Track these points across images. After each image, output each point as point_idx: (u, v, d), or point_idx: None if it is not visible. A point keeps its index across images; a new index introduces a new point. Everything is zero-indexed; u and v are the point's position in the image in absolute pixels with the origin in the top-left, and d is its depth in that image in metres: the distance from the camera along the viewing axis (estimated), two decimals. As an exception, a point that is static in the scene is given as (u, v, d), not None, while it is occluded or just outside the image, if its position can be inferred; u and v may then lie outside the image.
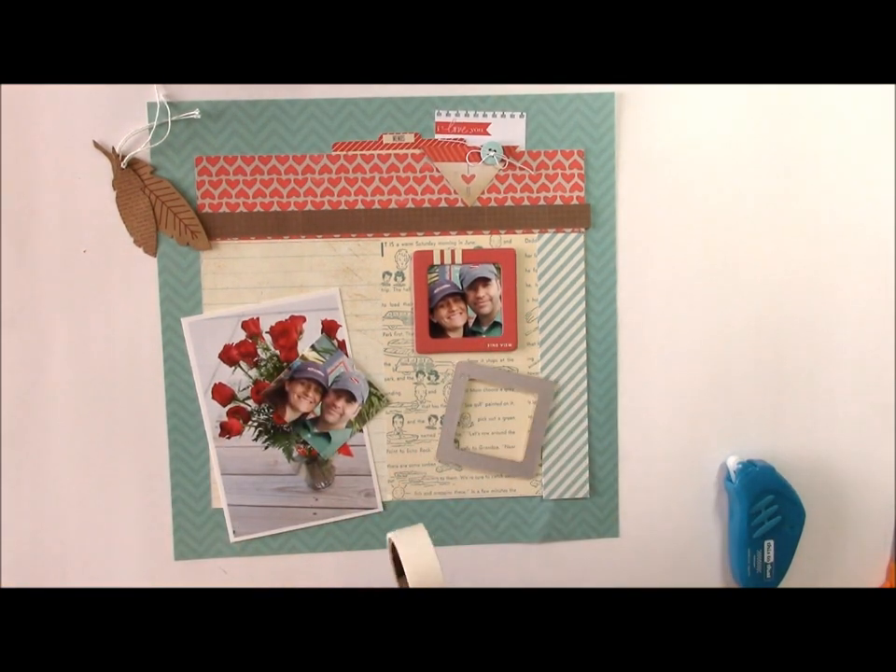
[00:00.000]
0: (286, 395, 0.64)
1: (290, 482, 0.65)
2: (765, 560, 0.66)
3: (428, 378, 0.65)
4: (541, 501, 0.66)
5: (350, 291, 0.65)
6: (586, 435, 0.66)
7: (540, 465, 0.66)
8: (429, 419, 0.66)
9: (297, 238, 0.64)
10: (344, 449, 0.65)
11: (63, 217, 0.63)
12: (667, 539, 0.67)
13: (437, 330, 0.65)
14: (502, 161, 0.64)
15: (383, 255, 0.64)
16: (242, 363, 0.64)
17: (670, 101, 0.65)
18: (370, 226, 0.64)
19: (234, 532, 0.65)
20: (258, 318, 0.64)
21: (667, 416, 0.67)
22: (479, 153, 0.64)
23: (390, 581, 0.66)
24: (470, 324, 0.65)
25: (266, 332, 0.64)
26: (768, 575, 0.66)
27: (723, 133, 0.65)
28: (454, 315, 0.65)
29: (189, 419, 0.64)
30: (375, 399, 0.65)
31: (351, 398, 0.65)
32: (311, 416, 0.65)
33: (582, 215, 0.65)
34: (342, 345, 0.65)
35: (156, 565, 0.65)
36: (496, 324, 0.65)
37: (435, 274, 0.65)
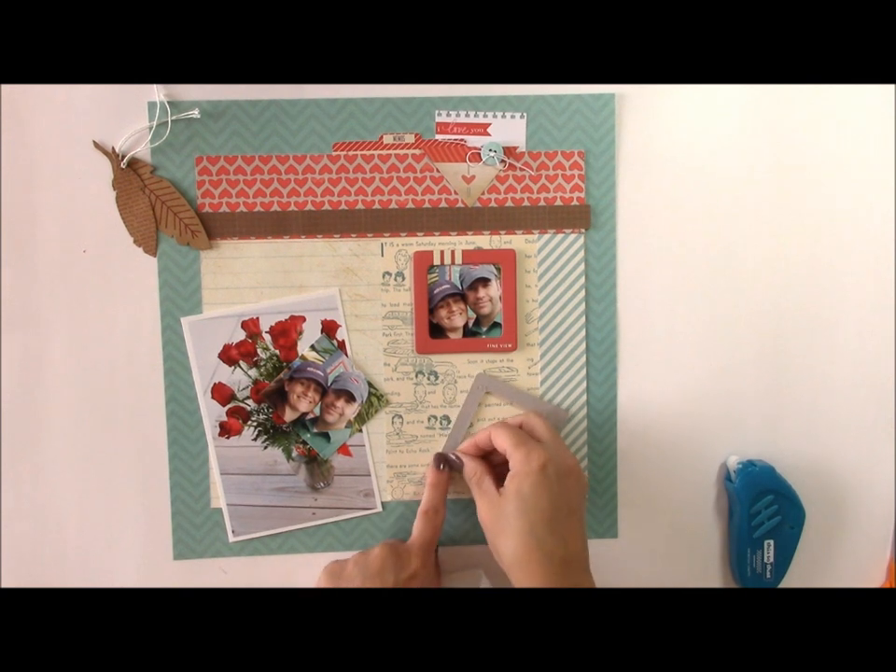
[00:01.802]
0: (285, 395, 0.64)
1: (289, 482, 0.65)
2: (765, 560, 0.66)
3: (428, 378, 0.65)
4: (541, 502, 0.66)
5: (350, 291, 0.65)
6: (585, 435, 0.66)
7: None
8: (429, 420, 0.66)
9: (297, 238, 0.64)
10: (344, 449, 0.65)
11: (63, 217, 0.63)
12: (667, 539, 0.67)
13: (437, 331, 0.65)
14: (502, 161, 0.64)
15: (383, 255, 0.65)
16: (241, 363, 0.64)
17: (670, 101, 0.65)
18: (370, 226, 0.64)
19: (233, 532, 0.65)
20: (257, 318, 0.64)
21: (667, 416, 0.67)
22: (479, 154, 0.64)
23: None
24: (470, 324, 0.65)
25: (266, 332, 0.64)
26: (768, 575, 0.66)
27: (724, 133, 0.65)
28: (453, 316, 0.65)
29: (189, 419, 0.64)
30: (375, 400, 0.65)
31: (350, 398, 0.65)
32: (310, 416, 0.65)
33: (582, 215, 0.65)
34: (341, 345, 0.65)
35: (155, 564, 0.65)
36: (495, 324, 0.65)
37: (435, 275, 0.65)
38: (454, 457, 0.63)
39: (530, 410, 0.65)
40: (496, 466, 0.62)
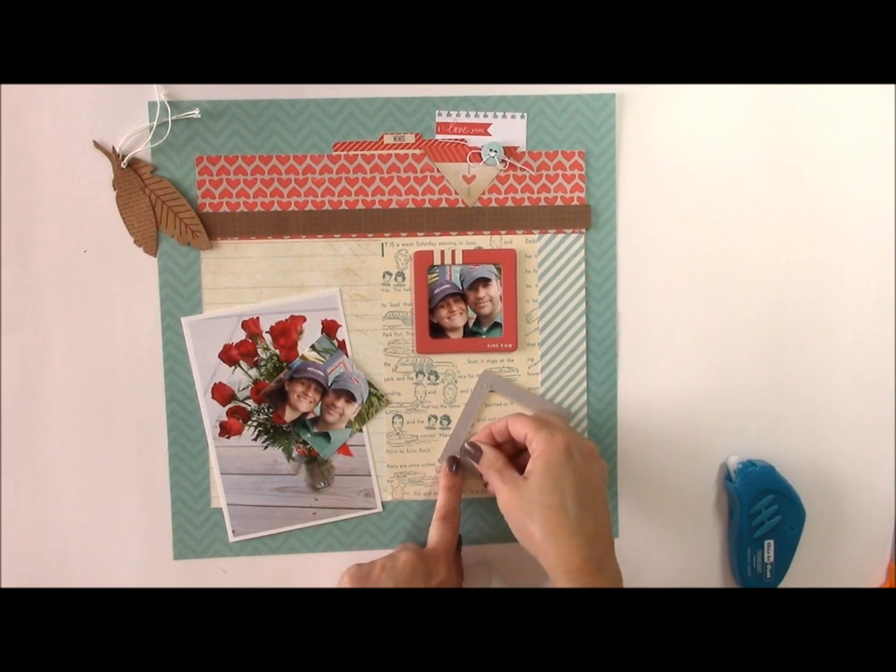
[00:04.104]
0: (285, 395, 0.64)
1: (290, 481, 0.65)
2: (765, 560, 0.66)
3: (428, 378, 0.65)
4: (541, 502, 0.66)
5: (350, 291, 0.65)
6: (585, 435, 0.66)
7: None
8: (429, 419, 0.66)
9: (297, 238, 0.64)
10: (344, 449, 0.65)
11: (63, 217, 0.63)
12: (667, 539, 0.67)
13: (437, 331, 0.65)
14: (503, 161, 0.64)
15: (383, 255, 0.65)
16: (242, 363, 0.64)
17: (670, 101, 0.65)
18: (370, 226, 0.64)
19: (234, 532, 0.65)
20: (258, 318, 0.64)
21: (667, 416, 0.67)
22: (480, 153, 0.64)
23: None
24: (471, 324, 0.65)
25: (266, 332, 0.64)
26: (768, 575, 0.66)
27: (724, 133, 0.65)
28: (454, 316, 0.65)
29: (189, 419, 0.64)
30: (375, 399, 0.65)
31: (351, 398, 0.65)
32: (311, 416, 0.65)
33: (583, 215, 0.65)
34: (342, 345, 0.65)
35: (155, 564, 0.65)
36: (496, 324, 0.65)
37: (435, 275, 0.65)
38: (469, 448, 0.62)
39: (534, 409, 0.65)
40: (511, 457, 0.62)
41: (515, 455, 0.63)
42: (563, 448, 0.57)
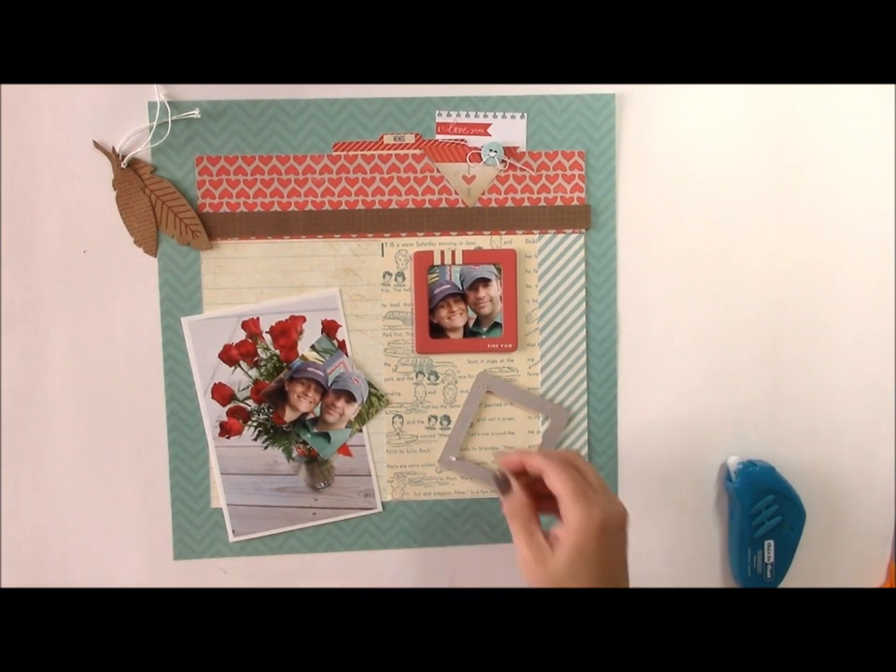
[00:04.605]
0: (285, 395, 0.64)
1: (290, 482, 0.65)
2: (765, 560, 0.66)
3: (428, 378, 0.65)
4: (541, 502, 0.66)
5: (350, 291, 0.65)
6: (586, 436, 0.66)
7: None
8: (429, 420, 0.66)
9: (297, 238, 0.64)
10: (344, 449, 0.65)
11: (63, 217, 0.63)
12: (667, 539, 0.67)
13: (437, 331, 0.65)
14: (503, 161, 0.64)
15: (383, 255, 0.65)
16: (242, 363, 0.64)
17: (670, 101, 0.65)
18: (370, 226, 0.64)
19: (234, 532, 0.65)
20: (257, 318, 0.64)
21: (667, 416, 0.67)
22: (479, 154, 0.64)
23: (390, 582, 0.66)
24: (471, 324, 0.65)
25: (266, 332, 0.64)
26: (768, 575, 0.66)
27: (724, 133, 0.65)
28: (454, 316, 0.65)
29: (189, 419, 0.64)
30: (375, 400, 0.65)
31: (351, 398, 0.65)
32: (311, 416, 0.65)
33: (583, 215, 0.65)
34: (342, 345, 0.65)
35: (155, 564, 0.65)
36: (496, 324, 0.65)
37: (435, 275, 0.65)
38: (500, 477, 0.57)
39: (532, 409, 0.65)
40: (534, 484, 0.57)
41: (536, 480, 0.57)
42: (599, 529, 0.52)
